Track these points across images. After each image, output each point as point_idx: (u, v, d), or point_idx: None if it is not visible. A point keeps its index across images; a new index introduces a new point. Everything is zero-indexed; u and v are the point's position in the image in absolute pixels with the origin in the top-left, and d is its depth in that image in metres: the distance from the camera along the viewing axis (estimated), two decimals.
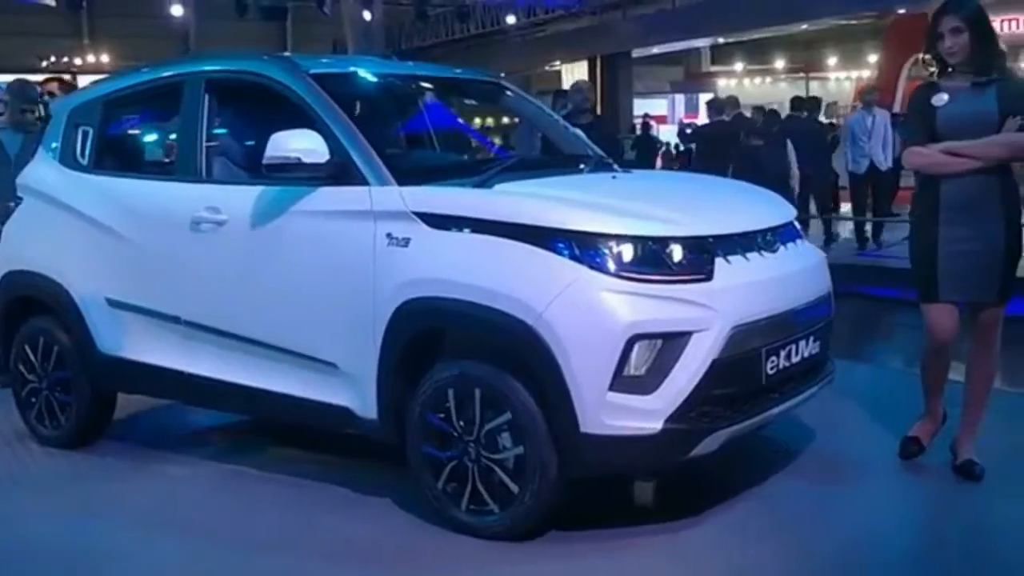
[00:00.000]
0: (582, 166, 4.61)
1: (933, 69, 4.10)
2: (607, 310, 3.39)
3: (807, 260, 4.07)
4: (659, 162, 19.52)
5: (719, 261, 3.58)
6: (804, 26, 22.29)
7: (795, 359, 3.79)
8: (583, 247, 3.45)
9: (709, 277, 3.53)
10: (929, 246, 4.03)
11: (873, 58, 23.86)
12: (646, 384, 3.40)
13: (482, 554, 3.57)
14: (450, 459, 3.67)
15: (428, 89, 5.28)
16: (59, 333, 4.79)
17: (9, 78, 7.05)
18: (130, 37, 28.31)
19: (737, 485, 4.07)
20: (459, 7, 27.70)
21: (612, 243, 3.46)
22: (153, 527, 3.97)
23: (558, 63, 28.18)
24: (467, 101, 6.07)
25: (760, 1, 19.97)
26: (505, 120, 11.65)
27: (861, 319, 9.23)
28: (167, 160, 4.86)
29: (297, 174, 3.89)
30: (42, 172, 5.01)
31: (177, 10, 25.62)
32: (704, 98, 20.48)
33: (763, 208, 4.13)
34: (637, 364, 3.40)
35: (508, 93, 5.14)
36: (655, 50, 25.24)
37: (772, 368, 3.67)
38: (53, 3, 23.38)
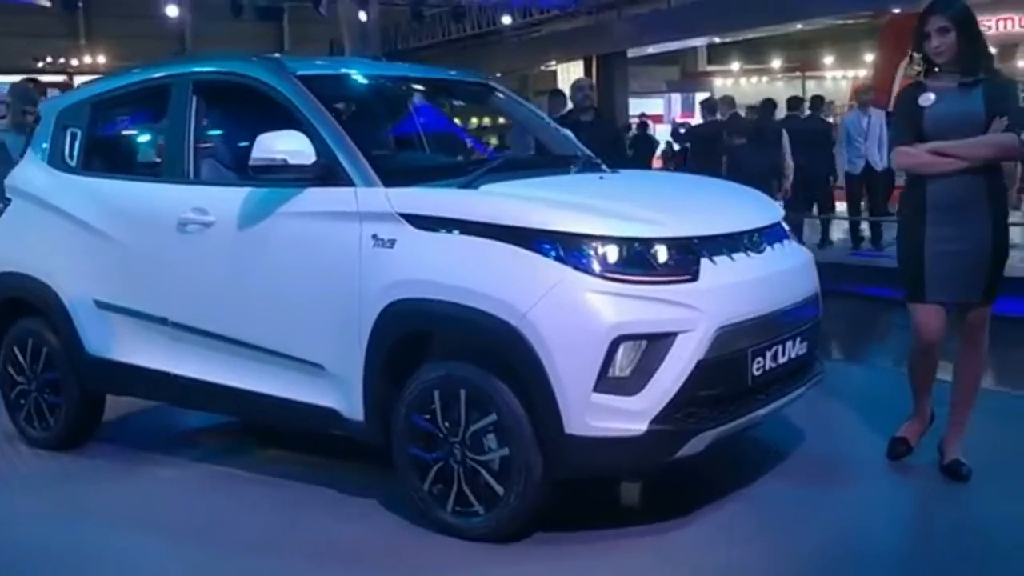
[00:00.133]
0: (570, 167, 4.60)
1: (919, 68, 4.10)
2: (591, 311, 3.38)
3: (794, 260, 4.07)
4: (659, 162, 19.53)
5: (704, 262, 3.57)
6: (800, 25, 22.27)
7: (782, 360, 3.78)
8: (568, 248, 3.45)
9: (694, 278, 3.52)
10: (916, 246, 4.03)
11: (869, 57, 23.86)
12: (631, 385, 3.40)
13: (468, 555, 3.57)
14: (436, 460, 3.66)
15: (416, 90, 5.28)
16: (48, 335, 4.79)
17: (9, 79, 7.05)
18: (127, 38, 28.31)
19: (725, 486, 4.07)
20: (455, 7, 27.67)
21: (597, 244, 3.45)
22: (141, 528, 3.97)
23: (554, 63, 28.17)
24: (455, 102, 6.05)
25: (755, 0, 19.96)
26: (501, 120, 11.66)
27: (855, 319, 9.24)
28: (155, 161, 4.85)
29: (283, 175, 3.89)
30: (31, 173, 5.01)
31: (173, 11, 25.57)
32: (700, 97, 20.48)
33: (750, 208, 4.12)
34: (622, 365, 3.39)
35: (496, 94, 5.14)
36: (650, 50, 25.22)
37: (758, 369, 3.67)
38: (48, 3, 23.31)
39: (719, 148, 10.97)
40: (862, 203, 12.30)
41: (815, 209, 12.40)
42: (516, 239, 3.49)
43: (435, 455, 3.66)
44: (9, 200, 5.07)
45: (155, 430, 5.23)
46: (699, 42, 26.00)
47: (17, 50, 26.71)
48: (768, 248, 3.90)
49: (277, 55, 4.72)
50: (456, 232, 3.61)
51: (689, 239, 3.59)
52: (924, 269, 4.01)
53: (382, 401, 3.77)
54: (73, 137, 4.89)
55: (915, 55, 4.11)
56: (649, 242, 3.50)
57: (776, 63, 29.36)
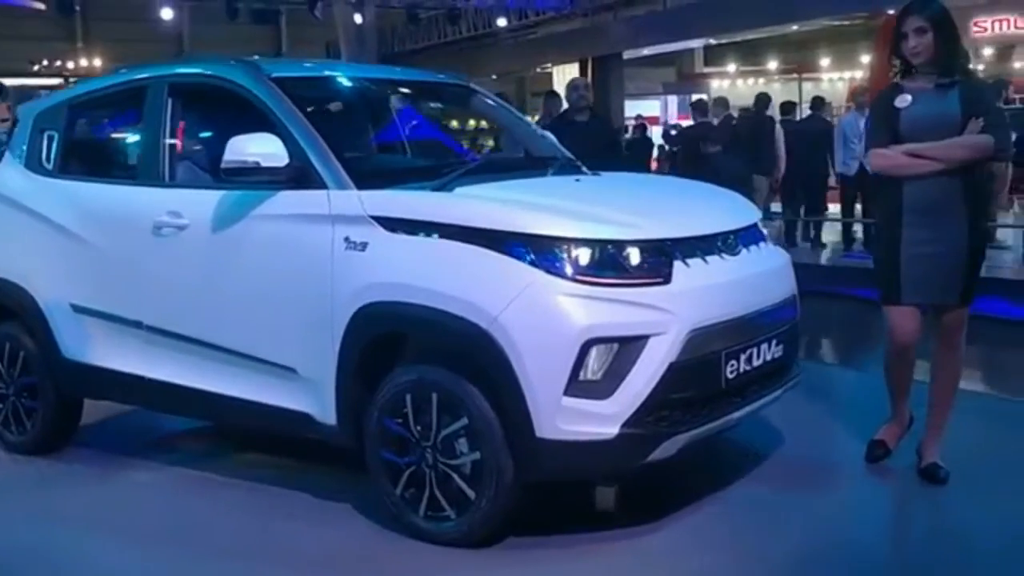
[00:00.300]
0: (547, 169, 4.58)
1: (896, 69, 4.09)
2: (562, 314, 3.36)
3: (770, 263, 4.04)
4: (655, 164, 19.48)
5: (677, 264, 3.55)
6: (796, 27, 22.25)
7: (756, 362, 3.75)
8: (539, 251, 3.42)
9: (667, 280, 3.50)
10: (892, 248, 4.01)
11: (866, 59, 23.83)
12: (602, 389, 3.37)
13: (441, 560, 3.55)
14: (408, 465, 3.64)
15: (395, 92, 5.25)
16: (24, 338, 4.77)
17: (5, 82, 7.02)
18: (123, 41, 28.26)
19: (702, 489, 4.05)
20: (450, 10, 27.64)
21: (568, 247, 3.43)
22: (117, 532, 3.97)
23: (549, 65, 28.11)
24: (435, 104, 6.02)
25: (751, 2, 19.93)
26: (484, 124, 11.58)
27: (841, 320, 9.22)
28: (131, 164, 4.83)
29: (256, 178, 3.87)
30: (7, 176, 4.98)
31: (169, 14, 25.57)
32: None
33: (725, 210, 4.09)
34: (593, 368, 3.37)
35: (476, 96, 5.11)
36: (646, 51, 25.18)
37: (732, 372, 3.64)
38: (43, 6, 23.29)
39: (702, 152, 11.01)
40: (856, 205, 12.30)
41: (802, 212, 12.40)
42: (488, 242, 3.47)
43: (407, 459, 3.64)
44: None
45: (132, 434, 5.21)
46: (695, 44, 25.93)
47: (13, 53, 26.67)
48: (743, 250, 3.87)
49: (256, 57, 4.68)
50: (428, 235, 3.59)
51: (662, 241, 3.56)
52: (900, 271, 3.99)
53: (355, 405, 3.75)
54: (50, 140, 4.87)
55: (892, 57, 4.10)
56: (621, 244, 3.48)
57: (772, 64, 29.30)
